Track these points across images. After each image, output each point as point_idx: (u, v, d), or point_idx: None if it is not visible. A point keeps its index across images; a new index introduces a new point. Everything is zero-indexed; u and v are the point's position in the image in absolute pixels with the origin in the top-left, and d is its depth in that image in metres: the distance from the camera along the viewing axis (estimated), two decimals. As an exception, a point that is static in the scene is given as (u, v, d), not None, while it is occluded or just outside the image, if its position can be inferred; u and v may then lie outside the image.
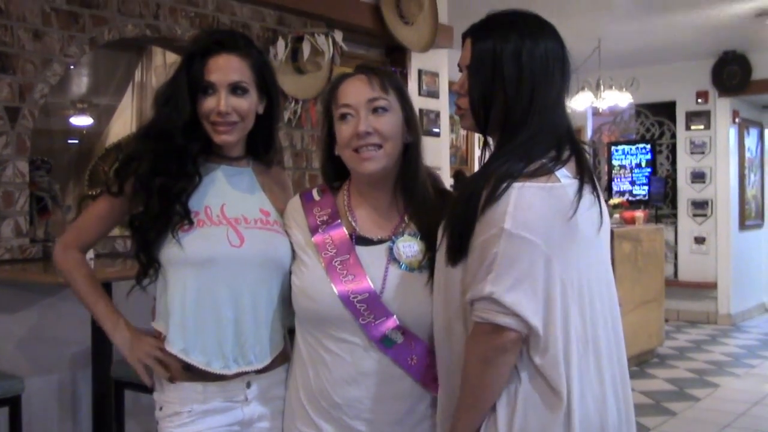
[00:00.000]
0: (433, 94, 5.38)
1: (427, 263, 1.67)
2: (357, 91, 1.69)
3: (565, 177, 1.49)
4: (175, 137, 1.70)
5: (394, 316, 1.64)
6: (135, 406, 3.26)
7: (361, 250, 1.70)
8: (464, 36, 1.61)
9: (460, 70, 1.61)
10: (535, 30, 1.55)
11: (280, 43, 4.14)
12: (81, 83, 5.48)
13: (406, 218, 1.74)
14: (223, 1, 3.99)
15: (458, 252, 1.49)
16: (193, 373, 1.71)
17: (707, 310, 8.34)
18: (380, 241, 1.71)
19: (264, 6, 4.15)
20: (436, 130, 5.36)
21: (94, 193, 4.14)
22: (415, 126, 1.75)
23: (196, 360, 1.68)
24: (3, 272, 3.10)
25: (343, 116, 1.69)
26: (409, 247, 1.69)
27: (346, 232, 1.73)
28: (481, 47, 1.53)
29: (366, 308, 1.64)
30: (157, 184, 1.68)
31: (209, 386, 1.72)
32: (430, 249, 1.67)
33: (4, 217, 3.19)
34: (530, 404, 1.46)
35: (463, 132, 7.57)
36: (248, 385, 1.75)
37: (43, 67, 3.29)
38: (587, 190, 1.50)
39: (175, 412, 1.71)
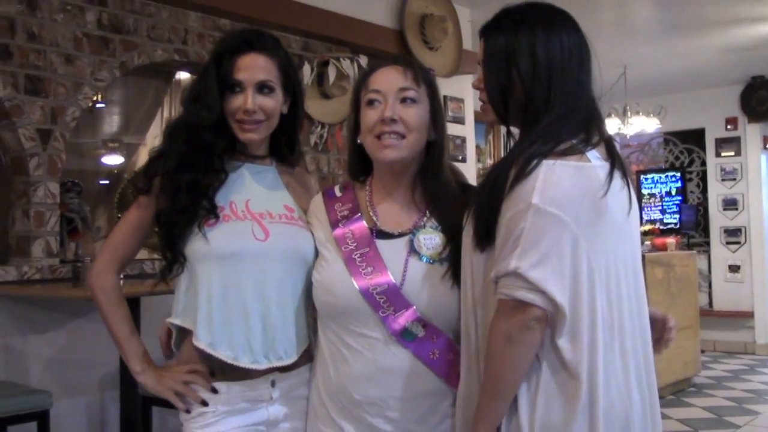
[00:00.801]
0: (459, 120, 5.40)
1: (448, 255, 1.65)
2: (389, 79, 1.70)
3: (596, 159, 1.47)
4: (203, 134, 1.72)
5: (414, 307, 1.61)
6: (162, 425, 3.24)
7: (382, 244, 1.69)
8: (480, 34, 1.62)
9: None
10: (548, 20, 1.55)
11: (306, 68, 4.20)
12: (112, 122, 5.60)
13: (427, 213, 1.73)
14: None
15: (486, 236, 1.47)
16: (217, 372, 1.69)
17: (744, 340, 8.14)
18: (401, 235, 1.70)
19: (290, 32, 4.21)
20: (462, 156, 5.36)
21: (122, 216, 4.17)
22: (441, 123, 1.75)
23: (224, 354, 1.66)
24: (33, 290, 3.13)
25: (371, 102, 1.69)
26: (430, 239, 1.68)
27: (367, 226, 1.72)
28: (493, 42, 1.55)
29: (386, 300, 1.62)
30: (184, 180, 1.69)
31: (233, 386, 1.70)
32: (451, 241, 1.65)
33: (36, 237, 3.23)
34: (552, 395, 1.41)
35: (490, 161, 7.59)
36: (273, 384, 1.72)
37: (74, 90, 3.36)
38: (618, 175, 1.48)
39: (200, 413, 1.69)
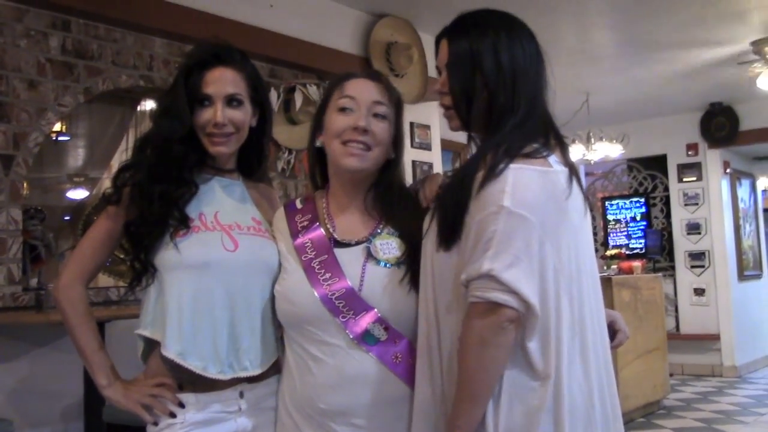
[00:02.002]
0: (426, 147, 5.44)
1: (406, 259, 1.66)
2: (366, 89, 1.72)
3: (556, 163, 1.50)
4: (173, 147, 1.72)
5: (375, 309, 1.62)
6: (128, 454, 3.16)
7: (339, 252, 1.70)
8: (438, 38, 1.64)
9: (439, 73, 1.64)
10: (509, 25, 1.58)
11: (273, 94, 4.21)
12: (77, 155, 5.55)
13: (383, 221, 1.74)
14: (215, 54, 4.06)
15: (452, 234, 1.48)
16: (185, 384, 1.68)
17: (712, 363, 8.22)
18: (357, 243, 1.72)
19: (256, 58, 4.18)
20: (430, 181, 5.38)
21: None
22: (400, 144, 1.79)
23: (193, 365, 1.65)
24: (-6, 319, 3.06)
25: (344, 108, 1.70)
26: (387, 244, 1.69)
27: (325, 235, 1.73)
28: (458, 44, 1.56)
29: (345, 305, 1.62)
30: (156, 191, 1.69)
31: (201, 397, 1.68)
32: (409, 246, 1.67)
33: (-3, 264, 3.16)
34: (515, 399, 1.42)
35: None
36: (241, 395, 1.72)
37: (37, 116, 3.33)
38: (574, 179, 1.52)
39: (168, 424, 1.67)
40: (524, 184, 1.42)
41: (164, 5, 3.73)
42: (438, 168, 5.52)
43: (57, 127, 4.67)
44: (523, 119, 1.50)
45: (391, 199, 1.75)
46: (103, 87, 3.59)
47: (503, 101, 1.51)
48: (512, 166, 1.43)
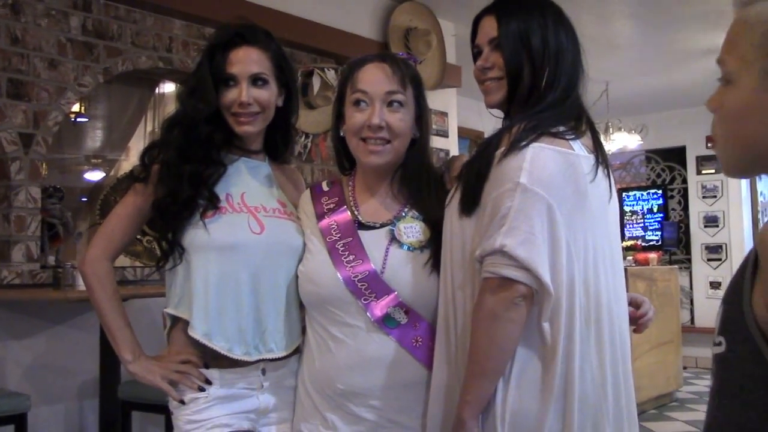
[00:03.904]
0: (443, 133, 5.43)
1: (429, 244, 1.66)
2: (376, 80, 1.69)
3: (580, 148, 1.50)
4: (200, 127, 1.72)
5: (396, 293, 1.62)
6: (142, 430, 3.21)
7: (363, 234, 1.70)
8: (479, 17, 1.65)
9: (478, 51, 1.64)
10: (552, 9, 1.61)
11: (291, 78, 4.21)
12: (95, 136, 5.58)
13: (408, 204, 1.74)
14: (234, 37, 4.07)
15: (472, 201, 1.48)
16: (209, 362, 1.70)
17: (726, 357, 8.16)
18: (382, 226, 1.72)
19: (275, 42, 4.22)
20: (446, 168, 5.38)
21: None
22: (426, 123, 1.77)
23: (219, 345, 1.66)
24: (13, 295, 3.09)
25: (357, 102, 1.69)
26: (411, 227, 1.69)
27: (351, 217, 1.73)
28: (508, 22, 1.57)
29: (367, 287, 1.63)
30: (187, 170, 1.70)
31: (225, 373, 1.70)
32: (432, 230, 1.67)
33: (16, 241, 3.20)
34: (525, 383, 1.41)
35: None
36: (263, 373, 1.73)
37: (57, 95, 3.35)
38: (601, 164, 1.52)
39: (192, 398, 1.69)
40: (542, 163, 1.42)
41: (184, -13, 3.74)
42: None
43: (75, 107, 4.70)
44: (558, 100, 1.52)
45: (418, 182, 1.74)
46: (122, 68, 3.61)
47: (545, 79, 1.53)
48: (533, 144, 1.43)
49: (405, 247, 1.66)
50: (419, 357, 1.62)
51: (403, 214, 1.72)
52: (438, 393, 1.56)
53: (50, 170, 4.59)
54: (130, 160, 5.20)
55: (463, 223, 1.52)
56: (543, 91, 1.53)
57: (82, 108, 5.02)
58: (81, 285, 3.09)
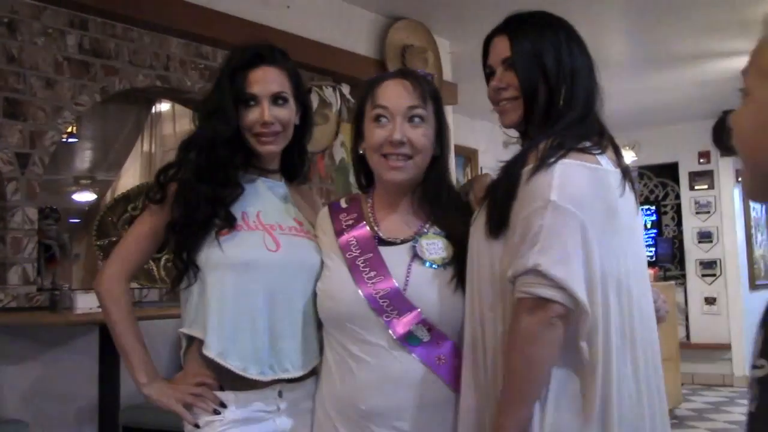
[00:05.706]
0: (440, 151, 5.40)
1: (452, 261, 1.63)
2: (397, 95, 1.67)
3: (607, 163, 1.48)
4: (218, 148, 1.71)
5: (418, 310, 1.58)
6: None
7: (385, 250, 1.67)
8: (491, 37, 1.63)
9: (491, 72, 1.62)
10: (565, 27, 1.60)
11: (289, 96, 4.18)
12: (84, 157, 5.51)
13: (429, 222, 1.71)
14: (232, 55, 4.04)
15: (500, 221, 1.45)
16: (225, 384, 1.66)
17: (723, 373, 8.15)
18: (403, 242, 1.69)
19: (272, 60, 4.19)
20: (443, 186, 5.35)
21: (101, 243, 4.09)
22: (446, 140, 1.75)
23: (233, 365, 1.63)
24: (9, 319, 3.02)
25: (378, 118, 1.67)
26: (433, 244, 1.66)
27: (370, 233, 1.70)
28: (521, 42, 1.56)
29: (389, 304, 1.59)
30: (204, 192, 1.68)
31: (241, 395, 1.66)
32: (456, 246, 1.63)
33: (12, 263, 3.13)
34: (563, 403, 1.38)
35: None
36: (280, 395, 1.69)
37: (54, 114, 3.30)
38: (627, 181, 1.50)
39: (207, 422, 1.64)
40: (572, 180, 1.39)
41: (181, 5, 3.71)
42: (452, 173, 5.50)
43: (71, 128, 4.64)
44: (579, 117, 1.50)
45: (438, 198, 1.71)
46: (119, 86, 3.56)
47: (562, 98, 1.51)
48: (563, 160, 1.41)
49: (428, 264, 1.63)
50: (443, 376, 1.58)
51: (425, 230, 1.69)
52: (467, 416, 1.51)
53: (41, 191, 4.52)
54: (124, 181, 5.14)
55: (491, 242, 1.48)
56: (562, 110, 1.51)
57: (73, 128, 4.95)
58: (79, 308, 3.03)
